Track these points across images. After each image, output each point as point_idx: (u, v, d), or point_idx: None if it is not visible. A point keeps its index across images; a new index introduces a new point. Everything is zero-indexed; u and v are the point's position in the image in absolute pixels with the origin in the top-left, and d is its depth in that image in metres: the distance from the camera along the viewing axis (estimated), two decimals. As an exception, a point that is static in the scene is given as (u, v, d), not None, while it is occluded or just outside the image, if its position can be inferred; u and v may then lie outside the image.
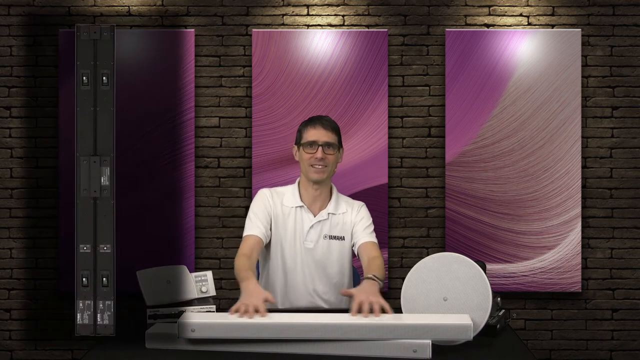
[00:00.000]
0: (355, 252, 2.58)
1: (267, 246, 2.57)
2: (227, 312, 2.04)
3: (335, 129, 2.52)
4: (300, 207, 2.55)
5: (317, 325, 1.92)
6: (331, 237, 2.55)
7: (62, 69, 3.55)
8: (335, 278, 2.56)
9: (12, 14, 3.60)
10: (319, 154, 2.46)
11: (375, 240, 2.57)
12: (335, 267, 2.55)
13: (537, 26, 3.60)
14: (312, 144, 2.48)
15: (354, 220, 2.58)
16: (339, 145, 2.54)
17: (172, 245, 3.57)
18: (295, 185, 2.60)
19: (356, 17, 3.61)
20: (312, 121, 2.53)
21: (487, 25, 3.61)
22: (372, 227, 2.60)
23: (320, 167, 2.47)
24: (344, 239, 2.56)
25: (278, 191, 2.61)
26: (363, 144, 3.57)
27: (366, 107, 3.56)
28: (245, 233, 2.54)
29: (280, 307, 2.53)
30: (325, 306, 2.55)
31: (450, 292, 2.07)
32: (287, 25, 3.61)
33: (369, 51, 3.56)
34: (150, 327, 2.09)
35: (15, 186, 3.61)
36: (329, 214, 2.55)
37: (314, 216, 2.55)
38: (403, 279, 2.18)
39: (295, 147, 2.57)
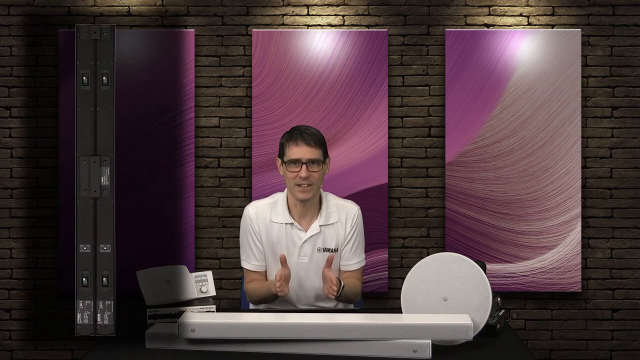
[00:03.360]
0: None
1: None
2: (225, 312, 2.04)
3: (318, 142, 2.43)
4: (291, 224, 2.50)
5: (317, 325, 1.92)
6: (325, 250, 2.50)
7: (62, 69, 3.55)
8: None
9: (12, 14, 3.60)
10: (303, 172, 2.39)
11: (362, 263, 2.57)
12: None
13: (537, 26, 3.60)
14: (296, 162, 2.41)
15: (346, 237, 2.53)
16: (324, 157, 2.47)
17: (172, 245, 3.57)
18: (284, 197, 2.54)
19: (356, 17, 3.61)
20: (294, 137, 2.43)
21: (487, 25, 3.61)
22: (362, 246, 2.57)
23: (305, 185, 2.41)
24: (337, 250, 2.53)
25: (266, 204, 2.56)
26: (363, 144, 3.57)
27: (366, 107, 3.56)
28: (244, 265, 2.57)
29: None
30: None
31: (450, 292, 2.07)
32: (287, 25, 3.61)
33: (369, 51, 3.56)
34: (150, 327, 2.09)
35: (15, 186, 3.61)
36: (320, 226, 2.50)
37: (305, 232, 2.50)
38: (403, 279, 2.18)
39: (279, 160, 2.50)
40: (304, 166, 2.39)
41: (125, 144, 3.55)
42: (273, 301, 2.48)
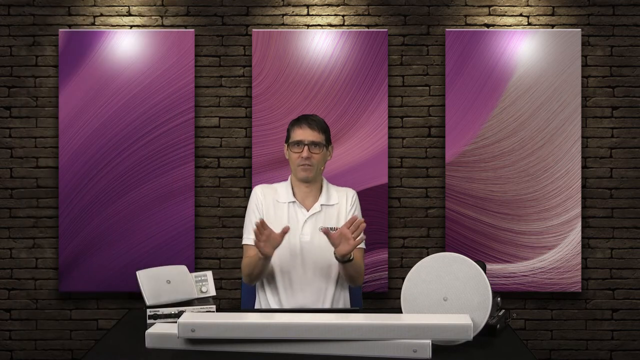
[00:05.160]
0: None
1: None
2: (225, 312, 2.04)
3: (322, 128, 2.56)
4: (293, 202, 2.59)
5: (317, 325, 1.92)
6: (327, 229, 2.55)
7: (62, 69, 3.55)
8: (334, 271, 2.56)
9: (12, 14, 3.60)
10: (305, 153, 2.51)
11: (363, 246, 2.61)
12: (333, 260, 2.55)
13: (537, 26, 3.60)
14: (299, 143, 2.53)
15: (346, 216, 2.60)
16: (327, 143, 2.58)
17: (172, 245, 3.57)
18: (288, 181, 2.64)
19: (356, 17, 3.61)
20: (299, 121, 2.57)
21: (487, 25, 3.61)
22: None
23: (307, 165, 2.52)
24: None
25: (272, 186, 2.66)
26: (363, 144, 3.57)
27: (366, 107, 3.56)
28: (244, 241, 2.61)
29: (283, 304, 2.54)
30: (327, 300, 2.55)
31: (450, 292, 2.07)
32: (287, 25, 3.61)
33: (369, 51, 3.56)
34: (150, 327, 2.09)
35: (15, 186, 3.61)
36: (321, 205, 2.58)
37: (307, 210, 2.58)
38: (403, 279, 2.18)
39: (285, 145, 2.62)
40: (306, 147, 2.52)
41: (125, 144, 3.56)
42: (263, 269, 2.48)
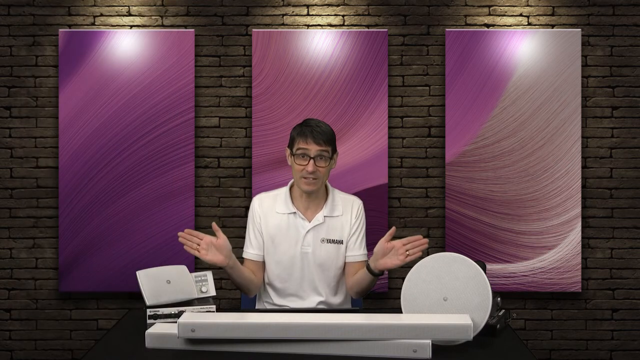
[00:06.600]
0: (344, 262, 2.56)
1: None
2: (225, 312, 2.03)
3: (328, 139, 2.44)
4: (294, 213, 2.51)
5: (317, 325, 1.91)
6: (329, 241, 2.51)
7: (62, 69, 3.55)
8: (334, 281, 2.54)
9: (12, 14, 3.60)
10: (310, 167, 2.40)
11: (367, 257, 2.56)
12: (333, 271, 2.53)
13: (537, 26, 3.60)
14: (304, 155, 2.42)
15: (351, 228, 2.54)
16: (333, 153, 2.49)
17: (172, 245, 3.57)
18: (287, 189, 2.55)
19: (356, 17, 3.61)
20: (304, 132, 2.43)
21: (487, 25, 3.61)
22: (365, 240, 2.59)
23: (311, 179, 2.43)
24: (342, 242, 2.53)
25: (270, 195, 2.57)
26: (363, 144, 3.57)
27: (366, 107, 3.56)
28: (244, 254, 2.58)
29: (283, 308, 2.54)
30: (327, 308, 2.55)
31: (450, 292, 2.07)
32: (287, 25, 3.61)
33: (369, 51, 3.56)
34: (150, 327, 2.09)
35: (15, 186, 3.61)
36: (325, 217, 2.51)
37: (309, 222, 2.51)
38: (403, 279, 2.18)
39: (288, 150, 2.51)
40: (311, 161, 2.41)
41: (125, 144, 3.56)
42: (239, 278, 2.46)
